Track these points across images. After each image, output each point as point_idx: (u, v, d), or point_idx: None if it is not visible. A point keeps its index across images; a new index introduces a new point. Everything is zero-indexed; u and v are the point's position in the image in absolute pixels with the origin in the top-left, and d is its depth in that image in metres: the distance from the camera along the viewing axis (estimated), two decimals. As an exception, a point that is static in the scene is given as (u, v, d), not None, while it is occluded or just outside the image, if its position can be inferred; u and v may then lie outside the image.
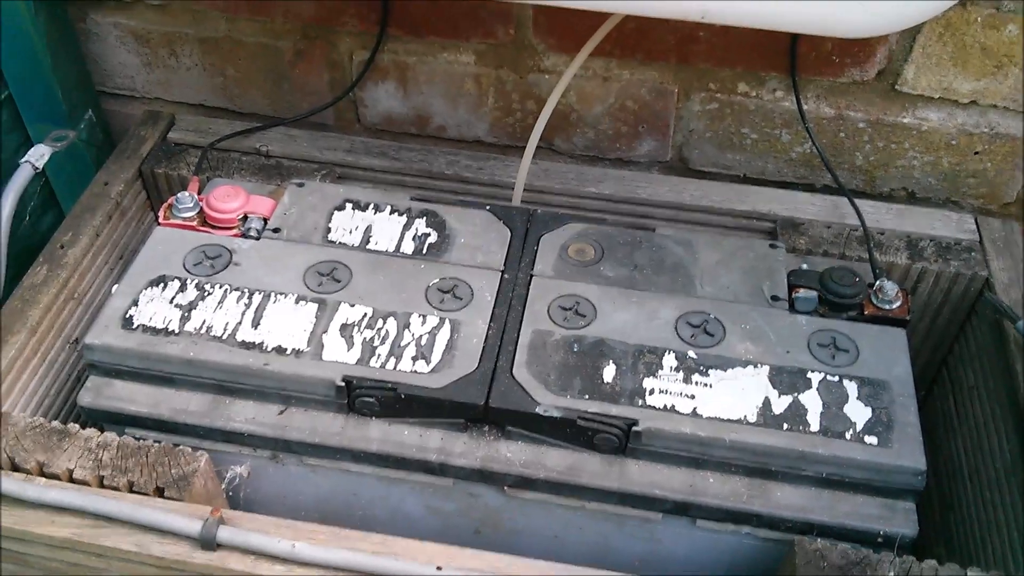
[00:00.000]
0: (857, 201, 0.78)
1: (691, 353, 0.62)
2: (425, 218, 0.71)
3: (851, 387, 0.61)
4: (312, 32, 0.85)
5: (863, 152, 0.82)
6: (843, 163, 0.83)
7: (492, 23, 0.80)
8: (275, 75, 0.88)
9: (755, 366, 0.62)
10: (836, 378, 0.61)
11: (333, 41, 0.85)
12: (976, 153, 0.80)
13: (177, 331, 0.61)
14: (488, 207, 0.72)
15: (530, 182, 0.78)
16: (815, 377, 0.61)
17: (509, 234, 0.70)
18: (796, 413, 0.59)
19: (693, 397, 0.60)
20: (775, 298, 0.66)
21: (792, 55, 0.77)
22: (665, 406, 0.59)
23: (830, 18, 0.59)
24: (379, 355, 0.60)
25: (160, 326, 0.62)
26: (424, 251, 0.68)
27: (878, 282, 0.67)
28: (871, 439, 0.58)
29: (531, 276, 0.67)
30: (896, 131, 0.80)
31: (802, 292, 0.67)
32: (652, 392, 0.60)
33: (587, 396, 0.59)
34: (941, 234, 0.76)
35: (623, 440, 0.58)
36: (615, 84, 0.82)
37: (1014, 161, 0.80)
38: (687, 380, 0.61)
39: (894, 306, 0.66)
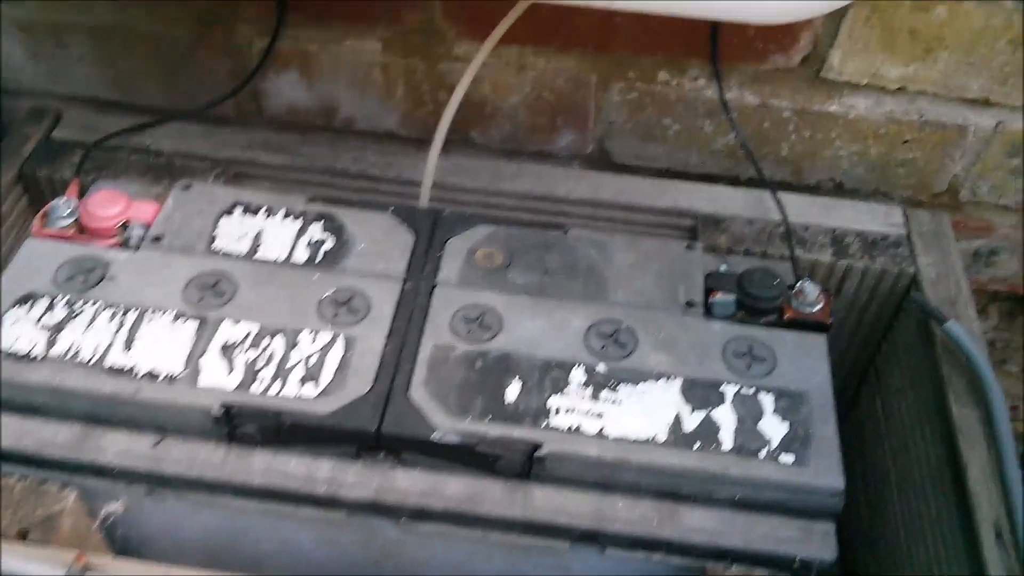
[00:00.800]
0: (782, 194, 0.74)
1: (600, 367, 0.59)
2: (322, 222, 0.66)
3: (767, 400, 0.58)
4: (208, 18, 0.79)
5: (789, 142, 0.78)
6: (768, 154, 0.79)
7: (399, 6, 0.75)
8: (171, 66, 0.83)
9: (667, 379, 0.58)
10: (751, 390, 0.58)
11: (231, 28, 0.79)
12: (905, 142, 0.77)
13: (42, 356, 0.56)
14: (392, 209, 0.68)
15: (441, 179, 0.73)
16: (729, 390, 0.58)
17: (413, 239, 0.66)
18: (708, 430, 0.56)
19: (601, 416, 0.56)
20: (690, 303, 0.63)
21: (713, 42, 0.73)
22: (571, 427, 0.55)
23: (745, 4, 0.55)
24: (262, 378, 0.56)
25: (24, 351, 0.57)
26: (319, 259, 0.64)
27: (799, 284, 0.64)
28: (787, 457, 0.55)
29: (434, 285, 0.63)
30: (822, 120, 0.76)
31: (719, 296, 0.63)
32: (558, 412, 0.56)
33: (489, 418, 0.55)
34: (867, 228, 0.73)
35: (526, 465, 0.55)
36: (530, 73, 0.77)
37: (944, 150, 0.77)
38: (595, 397, 0.57)
39: (815, 309, 0.63)
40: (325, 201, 0.68)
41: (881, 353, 0.75)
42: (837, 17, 0.71)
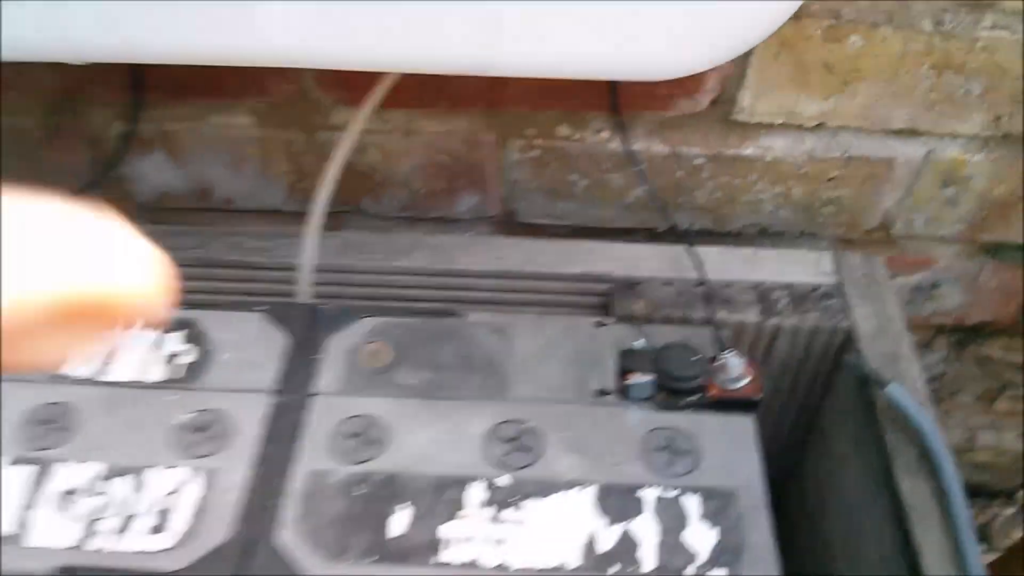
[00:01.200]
0: (703, 248, 0.68)
1: (503, 479, 0.51)
2: (181, 331, 0.58)
3: (692, 503, 0.51)
4: (58, 106, 0.71)
5: (705, 190, 0.72)
6: (685, 203, 0.73)
7: (266, 80, 0.68)
8: (24, 159, 0.75)
9: (579, 488, 0.51)
10: (674, 493, 0.51)
11: (86, 114, 0.72)
12: (830, 179, 0.71)
13: None
14: (266, 307, 0.60)
15: (328, 262, 0.66)
16: (649, 495, 0.51)
17: (287, 341, 0.58)
18: (627, 548, 0.49)
19: (502, 543, 0.49)
20: (602, 392, 0.56)
21: (613, 93, 0.66)
22: (466, 561, 0.48)
23: (630, 63, 0.49)
24: (105, 532, 0.48)
25: None
26: (177, 377, 0.56)
27: (722, 356, 0.57)
28: (718, 572, 0.48)
29: (309, 395, 0.55)
30: (738, 164, 0.70)
31: (635, 378, 0.56)
32: (451, 543, 0.49)
33: (372, 558, 0.48)
34: (796, 280, 0.67)
35: (416, 611, 0.47)
36: (420, 138, 0.71)
37: (873, 185, 0.71)
38: (496, 518, 0.50)
39: (741, 384, 0.56)
40: (186, 305, 0.60)
41: (822, 413, 0.69)
42: (743, 56, 0.65)
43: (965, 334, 0.83)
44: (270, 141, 0.72)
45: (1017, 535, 1.04)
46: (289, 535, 0.48)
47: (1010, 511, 1.05)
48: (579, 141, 0.70)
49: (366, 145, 0.71)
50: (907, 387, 0.59)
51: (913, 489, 0.54)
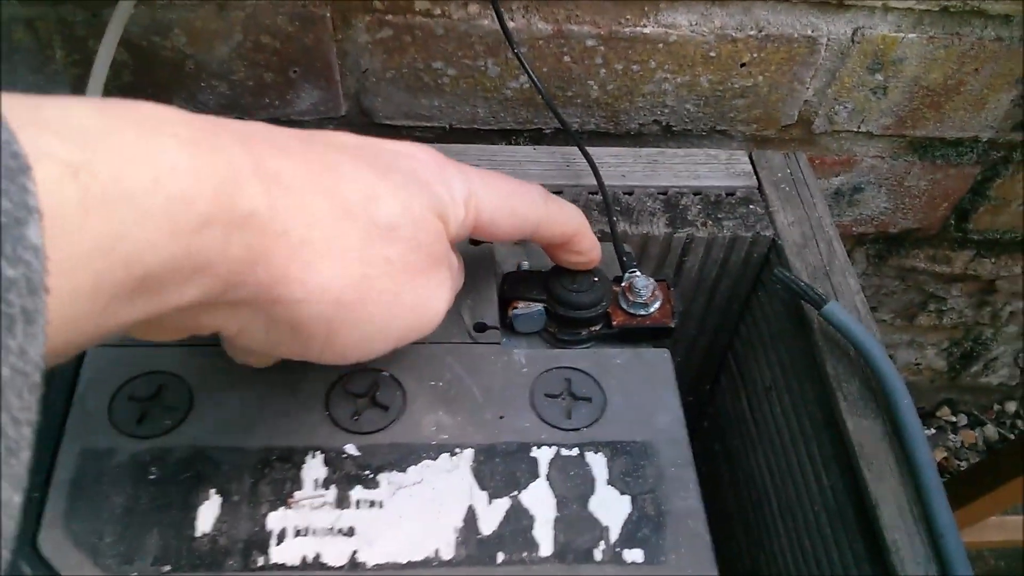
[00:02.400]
0: (597, 150, 0.56)
1: (349, 448, 0.39)
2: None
3: (597, 463, 0.39)
4: None
5: (598, 79, 0.60)
6: (575, 97, 0.60)
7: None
8: None
9: (452, 452, 0.39)
10: (574, 451, 0.40)
11: None
12: (743, 65, 0.60)
13: None
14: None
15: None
16: (543, 455, 0.39)
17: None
18: (517, 528, 0.37)
19: (352, 533, 0.36)
20: (480, 327, 0.44)
21: (480, -51, 0.53)
22: (306, 559, 0.35)
23: None
24: None
25: None
26: None
27: (626, 276, 0.46)
28: (633, 554, 0.37)
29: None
30: (637, 46, 0.58)
31: (520, 307, 0.44)
32: (283, 536, 0.36)
33: (170, 565, 0.34)
34: (708, 183, 0.56)
35: (234, 636, 0.34)
36: (237, 14, 0.55)
37: (792, 70, 0.60)
38: (342, 501, 0.37)
39: (652, 309, 0.45)
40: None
41: (740, 336, 0.59)
42: (641, -96, 0.52)
43: (887, 244, 0.75)
44: (43, 23, 0.55)
45: (939, 455, 0.99)
46: (56, 535, 0.34)
47: (931, 432, 1.00)
48: (442, 17, 0.56)
49: (167, 23, 0.55)
50: (845, 305, 0.49)
51: (861, 430, 0.44)
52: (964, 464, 0.99)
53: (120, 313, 0.23)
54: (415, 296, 0.31)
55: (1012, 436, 1.01)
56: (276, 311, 0.27)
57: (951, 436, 1.01)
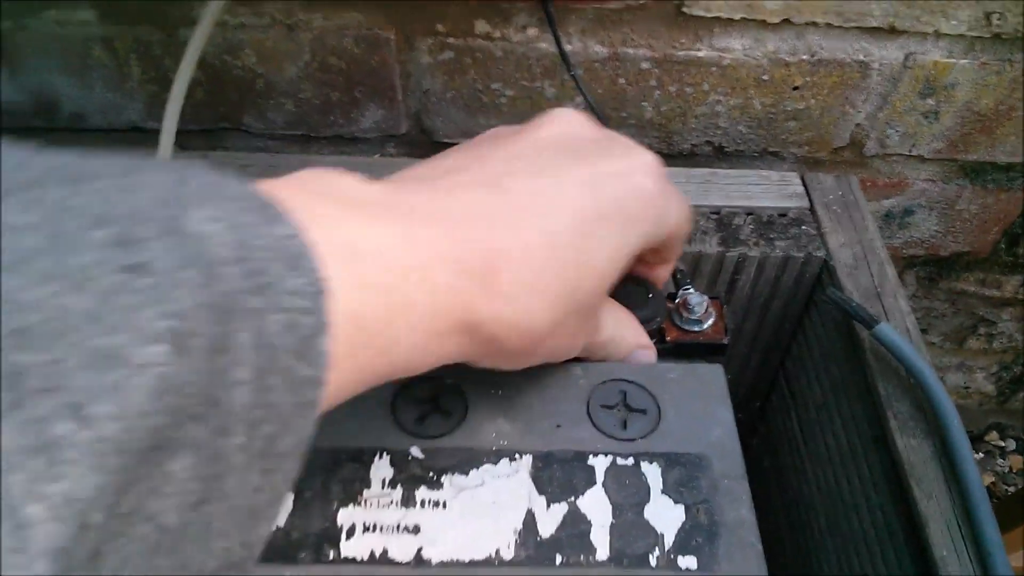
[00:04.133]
0: (651, 169, 0.57)
1: (415, 450, 0.40)
2: None
3: (652, 473, 0.40)
4: None
5: (652, 101, 0.61)
6: (629, 118, 0.62)
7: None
8: None
9: (512, 458, 0.40)
10: (629, 460, 0.41)
11: None
12: (795, 88, 0.61)
13: None
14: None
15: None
16: (599, 464, 0.41)
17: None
18: (575, 532, 0.38)
19: (418, 530, 0.38)
20: (539, 338, 0.45)
21: (541, -25, 0.55)
22: (374, 554, 0.37)
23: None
24: None
25: None
26: None
27: (680, 293, 0.47)
28: (687, 561, 0.38)
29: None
30: (690, 69, 0.59)
31: (579, 321, 0.46)
32: (353, 532, 0.37)
33: (242, 558, 0.36)
34: (760, 204, 0.57)
35: (305, 627, 0.36)
36: (306, 34, 0.58)
37: (844, 94, 0.61)
38: (408, 501, 0.39)
39: (705, 326, 0.47)
40: None
41: (793, 357, 0.60)
42: (698, -68, 0.54)
43: (937, 267, 0.75)
44: (121, 41, 0.58)
45: (987, 480, 0.98)
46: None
47: (978, 456, 0.99)
48: (501, 40, 0.58)
49: (238, 43, 0.58)
50: (895, 326, 0.50)
51: (911, 450, 0.45)
52: (1012, 489, 0.98)
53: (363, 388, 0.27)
54: (573, 345, 0.35)
55: (1061, 462, 1.00)
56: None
57: (999, 461, 1.00)
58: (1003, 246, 0.74)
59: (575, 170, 0.31)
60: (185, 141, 0.63)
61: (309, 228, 0.21)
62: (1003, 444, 1.00)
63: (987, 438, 1.00)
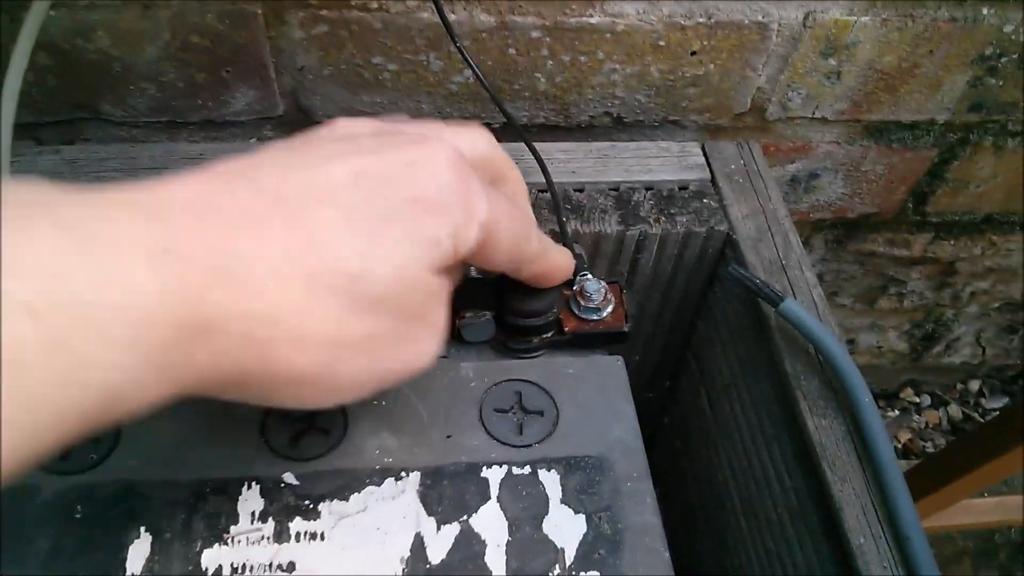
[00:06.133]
0: (546, 144, 0.54)
1: (289, 476, 0.37)
2: None
3: (550, 481, 0.38)
4: None
5: (545, 72, 0.58)
6: (522, 90, 0.58)
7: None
8: None
9: (397, 477, 0.37)
10: (526, 469, 0.38)
11: None
12: (693, 53, 0.58)
13: None
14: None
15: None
16: (494, 476, 0.38)
17: None
18: (468, 555, 0.35)
19: (292, 568, 0.34)
20: (426, 340, 0.42)
21: (416, -60, 0.50)
22: (241, 598, 0.33)
23: None
24: None
25: None
26: None
27: (577, 280, 0.44)
28: (591, 575, 0.35)
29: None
30: (583, 37, 0.56)
31: (469, 317, 0.42)
32: (219, 575, 0.34)
33: (93, 614, 0.32)
34: (660, 178, 0.54)
35: None
36: (164, 12, 0.52)
37: (743, 58, 0.59)
38: (281, 535, 0.35)
39: (605, 314, 0.44)
40: None
41: (698, 336, 0.58)
42: None
43: (845, 229, 0.74)
44: (-47, 24, 0.52)
45: (904, 436, 0.99)
46: (-41, 598, 0.32)
47: (895, 414, 1.00)
48: (379, 10, 0.53)
49: (89, 25, 0.52)
50: (802, 300, 0.48)
51: (823, 430, 0.43)
52: (929, 444, 0.99)
53: (86, 428, 0.22)
54: (393, 363, 0.29)
55: (976, 414, 1.02)
56: (247, 392, 0.27)
57: (915, 417, 1.01)
58: (910, 205, 0.73)
59: (351, 159, 0.28)
60: (39, 134, 0.57)
61: None
62: (918, 400, 1.01)
63: (902, 395, 1.01)
